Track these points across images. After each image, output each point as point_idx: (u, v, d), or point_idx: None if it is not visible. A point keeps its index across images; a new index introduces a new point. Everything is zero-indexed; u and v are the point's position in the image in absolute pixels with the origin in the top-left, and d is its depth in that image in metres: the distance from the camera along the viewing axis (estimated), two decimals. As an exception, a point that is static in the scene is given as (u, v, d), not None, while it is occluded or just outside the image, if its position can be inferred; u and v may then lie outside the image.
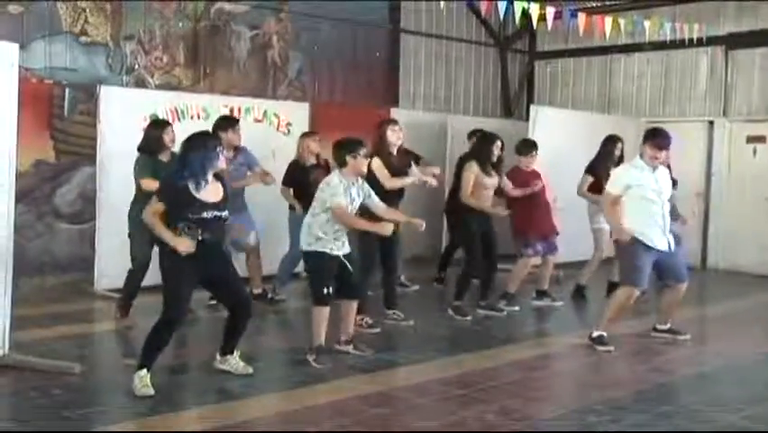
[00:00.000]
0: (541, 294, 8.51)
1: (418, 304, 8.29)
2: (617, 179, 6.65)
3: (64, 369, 5.42)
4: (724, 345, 7.08)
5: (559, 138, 9.78)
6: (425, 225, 6.23)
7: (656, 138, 6.51)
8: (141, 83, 9.29)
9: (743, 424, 4.90)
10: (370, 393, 5.24)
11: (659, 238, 6.48)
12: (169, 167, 6.57)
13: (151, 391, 4.93)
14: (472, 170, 7.50)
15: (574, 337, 6.93)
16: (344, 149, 5.98)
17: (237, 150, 7.60)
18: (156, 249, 5.25)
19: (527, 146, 8.44)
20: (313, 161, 8.08)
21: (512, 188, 7.99)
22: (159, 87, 9.36)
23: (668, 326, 7.01)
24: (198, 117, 8.54)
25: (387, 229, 5.93)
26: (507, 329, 7.36)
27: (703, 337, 7.64)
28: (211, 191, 5.12)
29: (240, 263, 7.76)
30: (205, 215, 5.03)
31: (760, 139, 11.19)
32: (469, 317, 7.54)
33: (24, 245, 7.94)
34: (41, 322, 6.83)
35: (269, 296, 7.97)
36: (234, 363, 5.48)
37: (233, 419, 4.71)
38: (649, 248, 6.44)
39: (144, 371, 5.01)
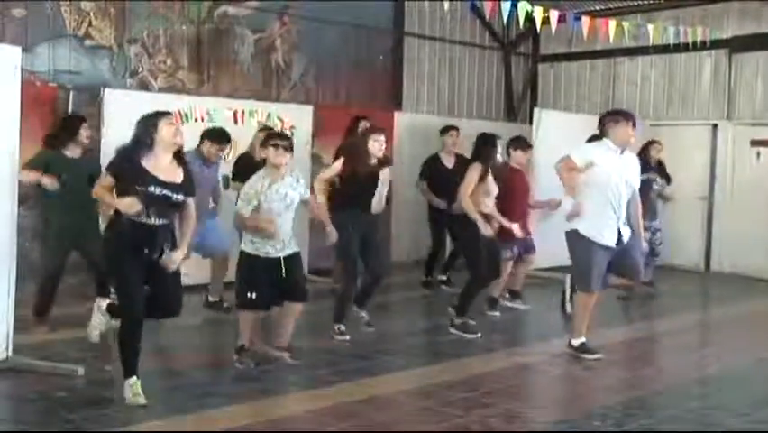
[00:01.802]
0: (514, 295, 8.38)
1: (419, 306, 8.29)
2: (585, 152, 6.26)
3: (66, 372, 5.42)
4: (728, 348, 7.06)
5: (562, 141, 9.73)
6: (332, 239, 6.16)
7: (629, 117, 6.23)
8: (144, 86, 9.29)
9: (748, 428, 4.89)
10: (373, 397, 5.24)
11: (610, 234, 6.10)
12: (77, 163, 6.52)
13: (143, 401, 4.80)
14: (475, 172, 7.04)
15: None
16: (265, 140, 5.80)
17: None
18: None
19: (524, 142, 8.23)
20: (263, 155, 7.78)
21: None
22: (162, 90, 9.36)
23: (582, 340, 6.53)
24: (202, 120, 8.54)
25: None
26: (510, 333, 7.35)
27: (707, 341, 7.63)
28: (165, 169, 4.84)
29: (203, 267, 7.73)
30: (152, 189, 4.72)
31: (764, 143, 11.17)
32: (478, 335, 7.05)
33: (27, 248, 7.92)
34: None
35: (226, 305, 7.55)
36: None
37: (237, 422, 4.70)
38: (604, 248, 6.12)
39: (133, 379, 4.86)
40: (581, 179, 6.10)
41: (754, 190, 11.07)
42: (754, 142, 11.28)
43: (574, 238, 6.20)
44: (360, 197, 6.73)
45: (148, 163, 4.81)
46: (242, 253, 5.77)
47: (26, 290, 6.31)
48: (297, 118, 9.48)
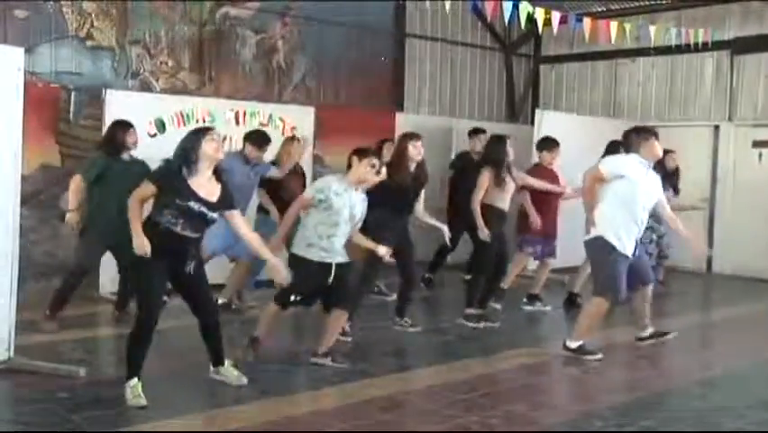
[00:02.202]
0: (532, 299, 8.45)
1: (421, 307, 8.28)
2: (616, 165, 6.35)
3: (68, 373, 5.42)
4: (729, 350, 7.06)
5: (564, 142, 9.74)
6: (386, 254, 6.17)
7: (652, 134, 6.36)
8: (146, 87, 9.30)
9: (749, 429, 4.88)
10: (376, 398, 5.23)
11: (630, 244, 6.25)
12: (130, 167, 6.72)
13: (143, 402, 4.83)
14: (486, 176, 7.40)
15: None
16: (355, 152, 5.97)
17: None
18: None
19: (551, 142, 8.36)
20: (290, 167, 7.87)
21: (534, 180, 7.97)
22: (164, 91, 9.37)
23: (649, 331, 6.80)
24: (204, 121, 8.54)
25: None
26: (511, 334, 7.34)
27: (708, 342, 7.63)
28: (205, 186, 5.00)
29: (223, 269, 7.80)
30: (192, 204, 4.89)
31: (766, 144, 11.18)
32: (481, 325, 7.38)
33: (29, 249, 7.94)
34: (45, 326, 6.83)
35: (233, 306, 7.70)
36: (227, 372, 5.36)
37: (241, 423, 4.71)
38: (624, 256, 6.23)
39: (134, 380, 4.89)
40: (611, 195, 6.23)
41: (756, 192, 11.07)
42: (756, 144, 11.29)
43: (597, 246, 6.28)
44: (400, 204, 6.88)
45: (191, 178, 4.97)
46: (294, 256, 5.78)
47: (28, 290, 6.31)
48: (298, 119, 9.48)
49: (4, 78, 5.39)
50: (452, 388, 5.51)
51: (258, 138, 7.59)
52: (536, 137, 9.69)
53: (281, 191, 7.72)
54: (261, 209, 7.92)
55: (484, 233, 7.29)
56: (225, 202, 5.12)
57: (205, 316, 5.27)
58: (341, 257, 5.81)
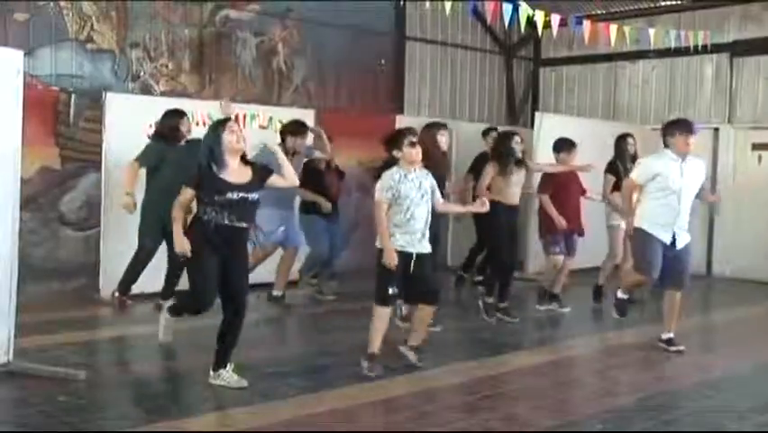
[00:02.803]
0: (551, 297, 8.47)
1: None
2: (647, 168, 6.64)
3: (69, 376, 5.41)
4: (730, 352, 7.05)
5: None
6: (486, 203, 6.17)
7: (684, 127, 6.53)
8: (146, 90, 9.29)
9: (750, 431, 4.88)
10: (376, 400, 5.24)
11: (664, 231, 6.49)
12: (185, 152, 7.02)
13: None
14: (489, 170, 7.59)
15: (581, 344, 6.93)
16: (388, 145, 6.00)
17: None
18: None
19: (568, 143, 8.34)
20: (323, 165, 8.33)
21: (550, 165, 8.20)
22: (164, 93, 9.36)
23: (667, 336, 6.84)
24: (204, 124, 8.50)
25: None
26: (513, 336, 7.34)
27: (709, 345, 7.62)
28: (236, 172, 5.19)
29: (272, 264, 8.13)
30: (230, 195, 5.09)
31: (765, 146, 11.19)
32: (516, 319, 7.67)
33: (29, 252, 7.94)
34: (45, 329, 6.81)
35: (287, 301, 8.15)
36: (228, 376, 5.36)
37: (241, 425, 4.71)
38: (660, 242, 6.48)
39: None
40: (643, 190, 6.62)
41: (756, 194, 11.07)
42: (756, 146, 11.29)
43: (637, 233, 6.62)
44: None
45: (222, 171, 5.16)
46: (378, 248, 5.79)
47: (27, 293, 6.31)
48: (298, 122, 9.47)
49: (4, 81, 5.38)
50: (453, 390, 5.52)
51: (295, 127, 7.95)
52: (536, 139, 9.71)
53: (321, 188, 8.14)
54: (303, 209, 8.23)
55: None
56: (261, 175, 5.31)
57: (234, 312, 5.33)
58: (421, 246, 5.80)
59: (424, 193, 5.80)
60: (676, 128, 6.54)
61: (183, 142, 7.35)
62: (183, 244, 5.09)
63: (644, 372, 6.35)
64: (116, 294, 7.60)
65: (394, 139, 5.99)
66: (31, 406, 4.93)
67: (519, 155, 7.66)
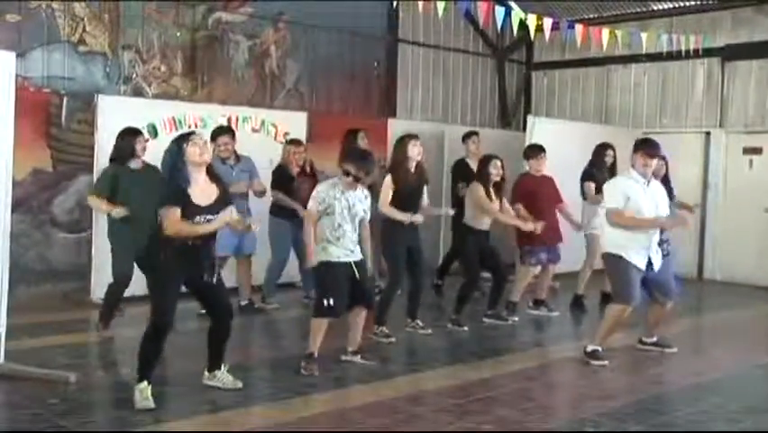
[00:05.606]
0: (538, 304, 8.51)
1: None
2: (615, 191, 6.44)
3: (59, 378, 5.40)
4: (721, 356, 7.07)
5: (556, 149, 9.76)
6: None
7: (646, 147, 6.44)
8: (138, 92, 9.28)
9: (740, 435, 4.90)
10: (367, 404, 5.23)
11: (637, 255, 6.31)
12: (141, 176, 6.70)
13: (152, 404, 4.88)
14: (479, 192, 7.57)
15: (571, 348, 6.93)
16: (340, 157, 6.23)
17: (239, 158, 7.89)
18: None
19: (535, 149, 8.45)
20: (296, 169, 8.29)
21: (514, 216, 7.93)
22: (156, 96, 9.35)
23: (654, 339, 6.95)
24: (196, 127, 8.52)
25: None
26: (504, 340, 7.35)
27: (700, 348, 7.64)
28: (203, 192, 5.03)
29: (230, 271, 7.93)
30: (198, 219, 4.95)
31: (756, 150, 11.23)
32: (465, 328, 7.55)
33: (21, 254, 7.92)
34: (36, 331, 6.81)
35: (256, 306, 8.14)
36: (223, 377, 5.38)
37: (230, 428, 4.70)
38: (636, 267, 6.32)
39: (144, 383, 4.96)
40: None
41: (747, 198, 11.11)
42: (747, 150, 11.33)
43: (611, 259, 6.43)
44: (407, 204, 7.02)
45: (191, 189, 4.97)
46: (320, 263, 5.91)
47: (19, 296, 6.29)
48: (290, 125, 9.48)
49: (-5, 83, 5.38)
50: (445, 394, 5.51)
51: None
52: (528, 143, 9.70)
53: (294, 193, 8.10)
54: (273, 212, 8.19)
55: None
56: (225, 199, 5.15)
57: (220, 319, 5.31)
58: (355, 255, 5.98)
59: (354, 214, 5.97)
60: (640, 147, 6.45)
61: (140, 163, 6.86)
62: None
63: (635, 375, 6.36)
64: (99, 327, 7.01)
65: (345, 156, 6.24)
66: (21, 408, 4.91)
67: (497, 179, 7.63)
